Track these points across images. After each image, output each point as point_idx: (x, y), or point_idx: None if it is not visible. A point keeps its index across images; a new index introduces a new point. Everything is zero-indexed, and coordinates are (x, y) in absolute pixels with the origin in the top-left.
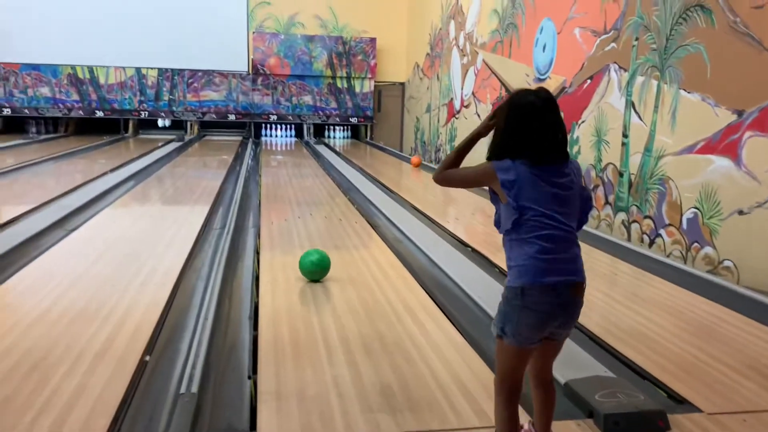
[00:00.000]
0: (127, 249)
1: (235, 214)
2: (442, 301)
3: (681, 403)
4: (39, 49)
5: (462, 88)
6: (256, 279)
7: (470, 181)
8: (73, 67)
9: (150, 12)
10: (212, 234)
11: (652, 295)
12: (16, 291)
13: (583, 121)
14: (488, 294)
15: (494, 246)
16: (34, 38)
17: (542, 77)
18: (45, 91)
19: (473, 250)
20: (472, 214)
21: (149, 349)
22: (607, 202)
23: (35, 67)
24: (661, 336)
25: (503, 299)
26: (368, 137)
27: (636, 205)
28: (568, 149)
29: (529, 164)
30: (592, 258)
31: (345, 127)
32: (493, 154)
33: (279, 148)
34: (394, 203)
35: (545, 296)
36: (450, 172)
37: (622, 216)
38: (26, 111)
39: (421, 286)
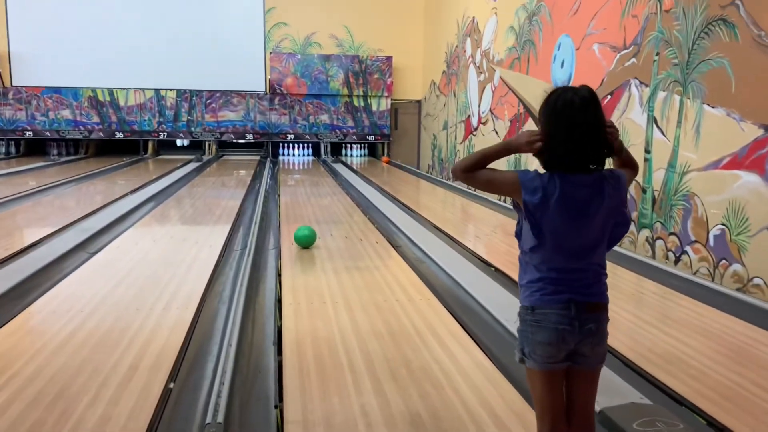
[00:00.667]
0: (149, 272)
1: (255, 234)
2: (467, 323)
3: (722, 431)
4: (60, 72)
5: (479, 105)
6: (279, 302)
7: (495, 186)
8: (93, 90)
9: (168, 34)
10: (233, 255)
11: (681, 315)
12: (40, 316)
13: None
14: (514, 315)
15: (515, 264)
16: (55, 62)
17: None
18: (66, 113)
19: (496, 269)
20: (493, 232)
21: (173, 376)
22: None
23: (57, 90)
24: (696, 360)
25: (519, 320)
26: (385, 154)
27: (660, 222)
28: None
29: (560, 176)
30: (616, 276)
31: (362, 145)
32: (541, 163)
33: (296, 167)
34: (414, 221)
35: (556, 313)
36: (476, 172)
37: (646, 233)
38: (47, 133)
39: (445, 307)
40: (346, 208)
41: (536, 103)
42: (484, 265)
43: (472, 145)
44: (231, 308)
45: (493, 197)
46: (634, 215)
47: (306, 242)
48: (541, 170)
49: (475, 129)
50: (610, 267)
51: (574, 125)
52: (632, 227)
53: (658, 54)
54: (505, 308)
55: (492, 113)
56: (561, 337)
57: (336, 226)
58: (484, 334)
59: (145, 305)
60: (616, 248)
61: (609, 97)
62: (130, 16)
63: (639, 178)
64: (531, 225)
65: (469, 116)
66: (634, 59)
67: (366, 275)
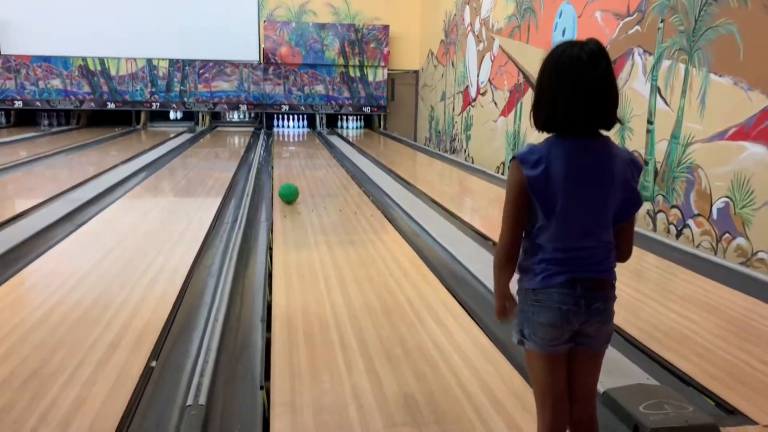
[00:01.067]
0: (136, 244)
1: (247, 206)
2: (464, 299)
3: (732, 413)
4: (50, 40)
5: (478, 76)
6: (269, 276)
7: (513, 211)
8: (84, 59)
9: (160, 1)
10: (223, 228)
11: (685, 290)
12: (20, 290)
13: None
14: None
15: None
16: (44, 30)
17: None
18: (56, 83)
19: (494, 243)
20: (490, 204)
21: (155, 353)
22: None
23: (46, 59)
24: (701, 336)
25: (518, 301)
26: (382, 127)
27: (662, 195)
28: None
29: (563, 141)
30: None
31: (358, 117)
32: (535, 122)
33: (291, 139)
34: (410, 194)
35: (560, 292)
36: (501, 241)
37: (647, 206)
38: (38, 103)
39: (442, 283)
40: (341, 181)
41: (536, 72)
42: (482, 239)
43: (471, 116)
44: (219, 282)
45: (490, 170)
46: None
47: (290, 198)
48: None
49: (474, 100)
50: None
51: (582, 81)
52: None
53: (663, 21)
54: None
55: (491, 83)
56: (565, 318)
57: (330, 199)
58: (483, 311)
59: (130, 280)
60: None
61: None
62: None
63: (641, 149)
64: (538, 202)
65: (467, 86)
66: (637, 27)
67: (360, 249)
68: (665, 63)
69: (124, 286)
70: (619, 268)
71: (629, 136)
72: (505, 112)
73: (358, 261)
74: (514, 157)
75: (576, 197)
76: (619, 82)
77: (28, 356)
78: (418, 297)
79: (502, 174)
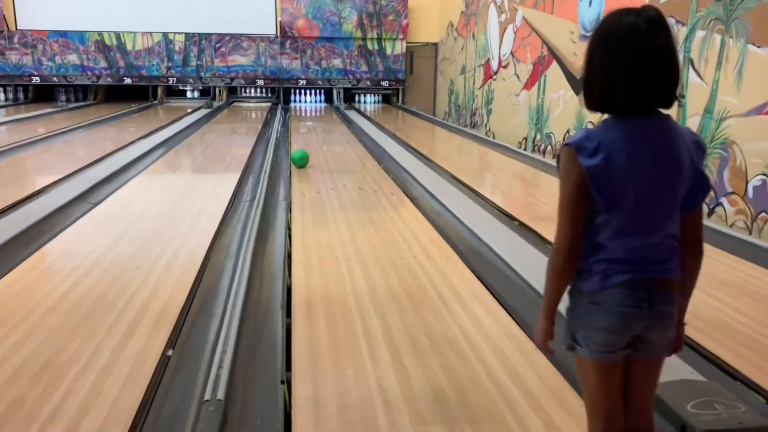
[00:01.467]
0: (152, 224)
1: (265, 184)
2: (492, 284)
3: None
4: (66, 15)
5: (500, 48)
6: (288, 258)
7: (572, 206)
8: (100, 34)
9: None
10: (242, 206)
11: (725, 275)
12: (34, 273)
13: None
14: (540, 273)
15: (540, 218)
16: (61, 4)
17: (589, 34)
18: (73, 58)
19: (520, 223)
20: (512, 180)
21: (172, 341)
22: None
23: (62, 33)
24: (748, 326)
25: (570, 302)
26: (400, 101)
27: None
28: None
29: (622, 123)
30: None
31: (376, 92)
32: (587, 103)
33: (308, 114)
34: (430, 171)
35: (621, 293)
36: (560, 241)
37: None
38: (55, 79)
39: (467, 266)
40: (359, 157)
41: (561, 44)
42: (506, 218)
43: (492, 90)
44: (237, 264)
45: (512, 145)
46: None
47: (301, 163)
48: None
49: (495, 73)
50: None
51: (641, 53)
52: None
53: None
54: (532, 266)
55: (513, 56)
56: (625, 322)
57: (349, 175)
58: (511, 297)
59: (147, 262)
60: None
61: None
62: None
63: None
64: (599, 195)
65: (488, 60)
66: None
67: (381, 229)
68: (699, 33)
69: (140, 270)
70: None
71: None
72: (528, 86)
73: (379, 242)
74: (567, 144)
75: (642, 187)
76: None
77: (43, 343)
78: (443, 281)
79: (524, 149)
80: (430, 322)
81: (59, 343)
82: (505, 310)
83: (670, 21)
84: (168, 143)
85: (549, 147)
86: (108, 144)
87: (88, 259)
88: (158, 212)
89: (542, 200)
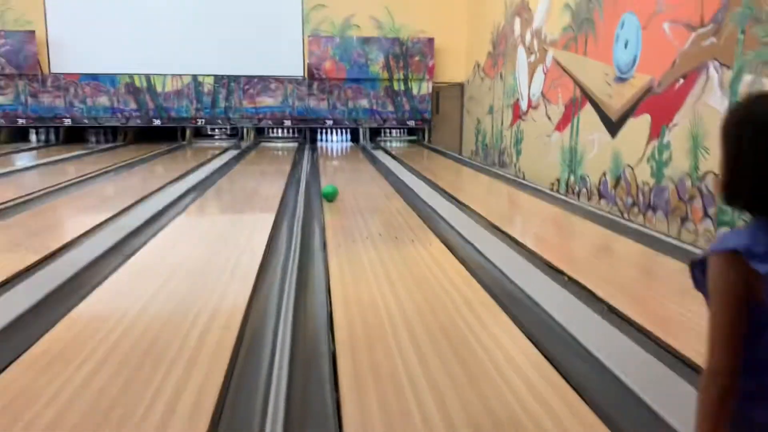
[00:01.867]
0: (186, 282)
1: (299, 233)
2: (525, 325)
3: None
4: (97, 59)
5: (529, 88)
6: (330, 317)
7: (733, 322)
8: (130, 76)
9: (206, 19)
10: (277, 259)
11: None
12: (62, 343)
13: (675, 125)
14: (576, 316)
15: (574, 263)
16: (92, 49)
17: (624, 76)
18: (104, 100)
19: (569, 278)
20: (543, 223)
21: (214, 422)
22: (706, 215)
23: (94, 77)
24: None
25: None
26: (426, 140)
27: (744, 220)
28: (659, 155)
29: None
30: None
31: (402, 130)
32: (729, 199)
33: (335, 153)
34: (464, 215)
35: None
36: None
37: (725, 231)
38: (86, 121)
39: (501, 308)
40: (387, 196)
41: (595, 86)
42: (546, 266)
43: (521, 130)
44: (278, 329)
45: (542, 186)
46: (712, 211)
47: (331, 198)
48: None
49: (525, 113)
50: (683, 270)
51: None
52: (708, 224)
53: (743, 32)
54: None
55: (544, 97)
56: None
57: (381, 219)
58: (544, 338)
59: (182, 327)
60: (688, 247)
61: (681, 80)
62: (169, 2)
63: (717, 169)
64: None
65: (517, 99)
66: (713, 38)
67: (423, 285)
68: (747, 77)
69: (176, 335)
70: (697, 303)
71: (703, 155)
72: (560, 127)
73: (419, 291)
74: (730, 250)
75: None
76: (691, 98)
77: (75, 427)
78: (477, 322)
79: (557, 191)
80: (487, 396)
81: (92, 427)
82: (543, 355)
83: (714, 64)
84: (197, 188)
85: (584, 189)
86: (138, 189)
87: (120, 324)
88: (191, 269)
89: (577, 246)
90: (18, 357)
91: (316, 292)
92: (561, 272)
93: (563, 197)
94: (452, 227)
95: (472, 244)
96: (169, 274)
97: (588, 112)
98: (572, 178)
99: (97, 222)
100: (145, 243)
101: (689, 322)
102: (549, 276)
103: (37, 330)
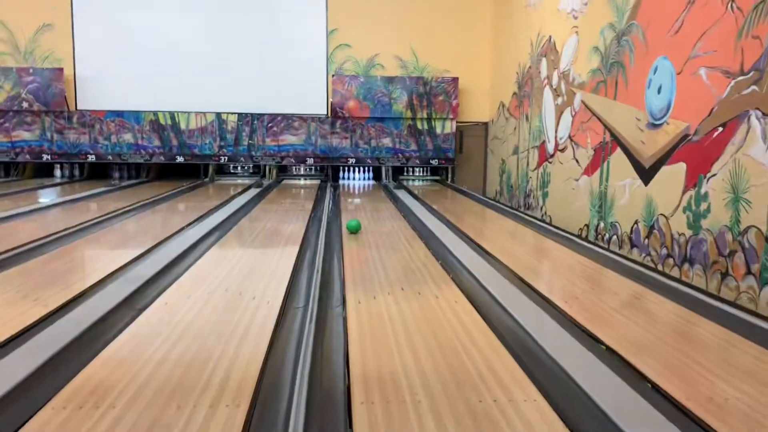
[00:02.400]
0: (197, 344)
1: (317, 287)
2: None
3: None
4: (123, 96)
5: (556, 131)
6: (348, 392)
7: None
8: (155, 114)
9: (231, 58)
10: (292, 316)
11: None
12: (65, 414)
13: (713, 175)
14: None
15: (601, 320)
16: (118, 86)
17: (658, 122)
18: (128, 137)
19: (607, 348)
20: (570, 272)
21: None
22: (749, 272)
23: (119, 114)
24: None
25: None
26: (449, 179)
27: None
28: (696, 205)
29: None
30: (738, 349)
31: (425, 170)
32: None
33: (357, 191)
34: (489, 267)
35: None
36: None
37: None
38: (110, 157)
39: (522, 368)
40: (407, 238)
41: (626, 131)
42: (576, 327)
43: (548, 173)
44: (292, 403)
45: (571, 231)
46: (755, 267)
47: (354, 231)
48: None
49: (551, 156)
50: (725, 335)
51: None
52: (751, 281)
53: None
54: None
55: (571, 140)
56: None
57: (401, 262)
58: (578, 418)
59: (191, 395)
60: (730, 310)
61: (720, 129)
62: (193, 40)
63: (761, 224)
64: None
65: (543, 142)
66: (754, 86)
67: (449, 354)
68: None
69: (185, 404)
70: (742, 374)
71: (745, 208)
72: (588, 171)
73: (450, 374)
74: None
75: None
76: (731, 147)
77: None
78: (495, 380)
79: (586, 238)
80: None
81: None
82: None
83: (756, 114)
84: (218, 230)
85: (615, 237)
86: (158, 231)
87: (126, 392)
88: (203, 326)
89: (609, 303)
90: None
91: (333, 362)
92: (596, 339)
93: (593, 246)
94: (477, 280)
95: (499, 303)
96: (179, 334)
97: (619, 158)
98: (602, 224)
99: (111, 270)
100: (157, 296)
101: (746, 408)
102: (581, 342)
103: (30, 403)
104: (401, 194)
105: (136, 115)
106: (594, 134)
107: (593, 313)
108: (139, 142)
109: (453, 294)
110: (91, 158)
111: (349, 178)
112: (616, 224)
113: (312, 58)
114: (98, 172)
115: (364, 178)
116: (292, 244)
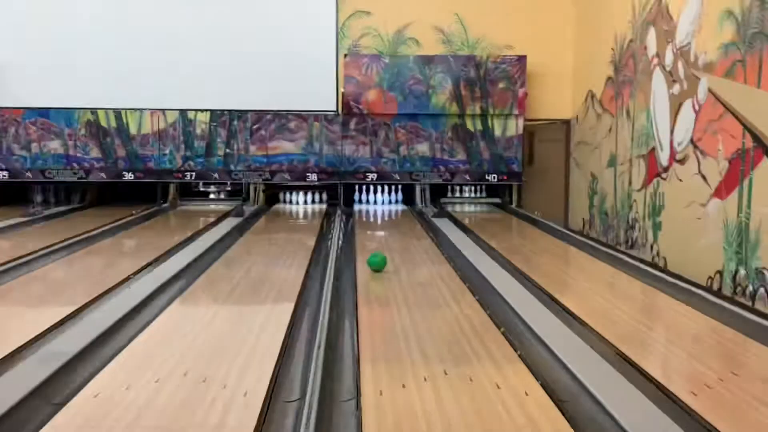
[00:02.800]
0: None
1: (318, 373)
2: None
3: None
4: (49, 88)
5: (672, 133)
6: None
7: None
8: (93, 112)
9: (198, 36)
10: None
11: None
12: None
13: None
14: None
15: (751, 427)
16: (42, 74)
17: None
18: (55, 145)
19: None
20: (697, 345)
21: None
22: None
23: (43, 113)
24: None
25: None
26: (515, 203)
27: None
28: None
29: None
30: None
31: (479, 189)
32: None
33: (379, 220)
34: (579, 339)
35: None
36: None
37: None
38: (29, 175)
39: None
40: (453, 294)
41: None
42: (699, 424)
43: (660, 194)
44: None
45: (697, 282)
46: None
47: (379, 266)
48: None
49: (665, 169)
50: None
51: None
52: None
53: None
54: None
55: (695, 146)
56: None
57: (442, 331)
58: None
59: None
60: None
61: None
62: (145, 9)
63: None
64: None
65: (653, 149)
66: None
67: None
68: None
69: None
70: None
71: None
72: (721, 193)
73: None
74: None
75: None
76: None
77: None
78: None
79: (719, 291)
80: None
81: None
82: None
83: None
84: (179, 278)
85: (762, 289)
86: (93, 282)
87: None
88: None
89: (753, 396)
90: None
91: None
92: None
93: (730, 305)
94: (558, 359)
95: (592, 395)
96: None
97: (766, 173)
98: (742, 271)
99: (18, 344)
100: (84, 384)
101: None
102: None
103: None
104: (444, 225)
105: (67, 115)
106: (729, 138)
107: (734, 410)
108: (71, 152)
109: (522, 381)
110: (2, 176)
111: (368, 202)
112: (764, 272)
113: (316, 31)
114: (12, 195)
115: (389, 202)
116: (285, 301)
